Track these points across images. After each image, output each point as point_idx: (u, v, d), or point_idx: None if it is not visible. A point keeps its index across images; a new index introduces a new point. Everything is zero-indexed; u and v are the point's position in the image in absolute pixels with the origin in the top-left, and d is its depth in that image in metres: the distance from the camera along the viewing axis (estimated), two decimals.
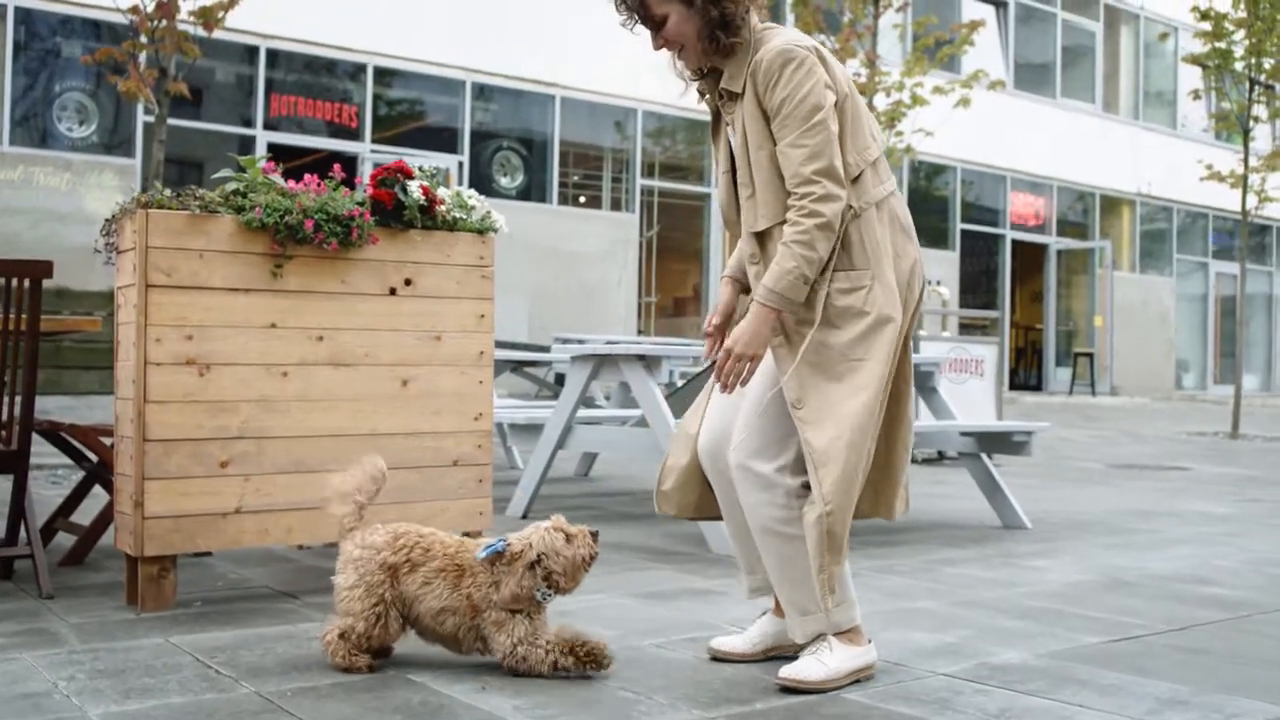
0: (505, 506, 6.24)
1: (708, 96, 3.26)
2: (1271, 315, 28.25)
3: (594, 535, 3.13)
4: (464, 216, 4.36)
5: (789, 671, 2.99)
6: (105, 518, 4.42)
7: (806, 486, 3.02)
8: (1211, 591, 4.46)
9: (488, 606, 3.05)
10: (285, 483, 3.96)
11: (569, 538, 3.11)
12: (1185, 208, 25.93)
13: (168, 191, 3.88)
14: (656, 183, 18.50)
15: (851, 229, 3.04)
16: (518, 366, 8.98)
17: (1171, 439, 14.63)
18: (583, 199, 17.90)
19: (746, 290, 3.26)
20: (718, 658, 3.29)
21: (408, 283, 4.21)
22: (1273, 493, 8.33)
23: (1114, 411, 18.98)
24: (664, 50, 3.19)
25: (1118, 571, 4.86)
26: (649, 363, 5.63)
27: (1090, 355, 23.09)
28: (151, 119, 10.38)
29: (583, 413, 6.43)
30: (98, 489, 4.96)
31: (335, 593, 3.15)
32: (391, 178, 4.20)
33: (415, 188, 4.19)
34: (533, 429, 6.50)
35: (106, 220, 4.03)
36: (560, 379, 10.35)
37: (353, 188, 4.18)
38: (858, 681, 3.06)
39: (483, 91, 16.71)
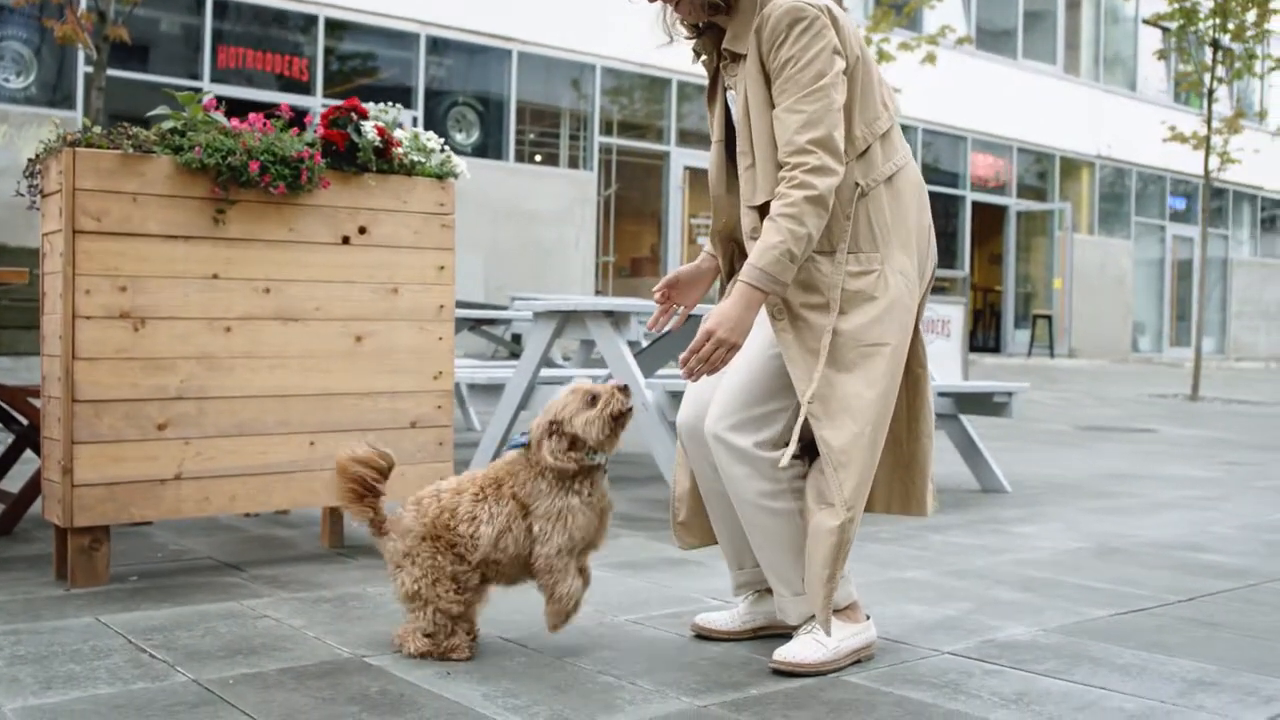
0: (462, 469, 5.94)
1: (704, 58, 2.95)
2: (1226, 279, 28.32)
3: (623, 390, 2.80)
4: (422, 160, 4.04)
5: (784, 654, 2.73)
6: (35, 485, 4.10)
7: (795, 458, 2.75)
8: (1211, 559, 4.25)
9: (535, 498, 2.78)
10: (229, 447, 3.65)
11: (593, 399, 2.79)
12: (1144, 170, 25.88)
13: (97, 129, 3.54)
14: (615, 140, 18.13)
15: (859, 208, 2.76)
16: (475, 325, 8.66)
17: (1134, 401, 14.54)
18: (539, 157, 17.52)
19: (729, 273, 2.99)
20: (703, 635, 3.02)
21: (362, 231, 3.89)
22: (1249, 456, 8.19)
23: (1074, 374, 18.91)
24: (653, 2, 2.89)
25: (1109, 538, 4.65)
26: (617, 319, 5.34)
27: (1049, 317, 23.01)
28: (91, 69, 9.91)
29: (545, 372, 6.13)
30: (29, 454, 4.62)
31: (400, 597, 2.82)
32: (344, 117, 3.88)
33: (370, 128, 3.87)
34: (492, 390, 6.20)
35: (30, 160, 3.69)
36: (517, 339, 10.05)
37: (302, 128, 3.85)
38: (858, 662, 2.81)
39: (437, 45, 16.26)
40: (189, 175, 3.57)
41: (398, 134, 4.00)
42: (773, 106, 2.73)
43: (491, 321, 8.75)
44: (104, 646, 2.82)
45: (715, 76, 2.94)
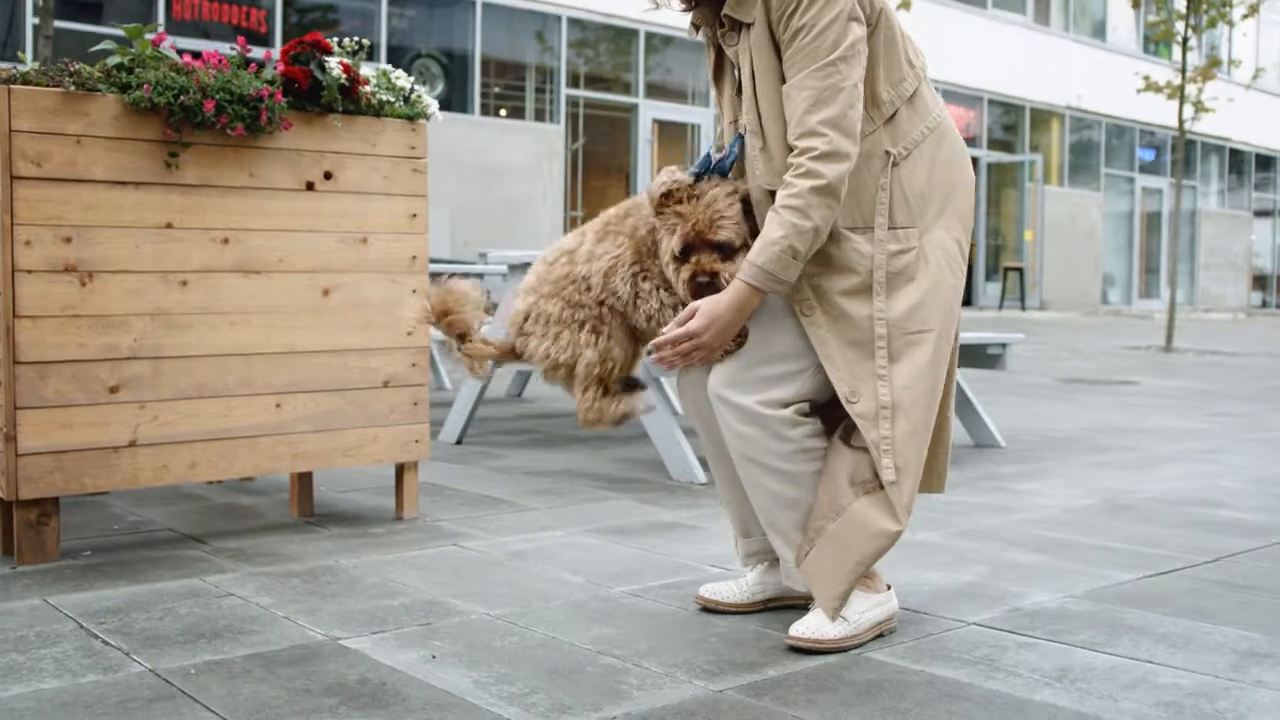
0: (436, 432, 5.69)
1: (704, 30, 2.64)
2: (1195, 230, 28.28)
3: (714, 278, 2.50)
4: (392, 100, 3.75)
5: (802, 629, 2.49)
6: None
7: (801, 413, 2.51)
8: (1227, 515, 4.06)
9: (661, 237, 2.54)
10: (187, 410, 3.37)
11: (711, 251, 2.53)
12: (1114, 121, 25.73)
13: (35, 64, 3.23)
14: (582, 93, 17.78)
15: (893, 180, 2.49)
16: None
17: (1109, 353, 14.41)
18: (503, 111, 17.15)
19: None
20: (708, 608, 2.79)
21: (327, 176, 3.61)
22: (1236, 407, 8.03)
23: (1046, 326, 18.79)
24: None
25: (1115, 494, 4.44)
26: None
27: (1020, 270, 22.89)
28: (38, 20, 9.50)
29: None
30: None
31: (540, 367, 2.64)
32: (306, 53, 3.58)
33: (335, 65, 3.58)
34: None
35: None
36: (487, 294, 9.75)
37: (261, 65, 3.56)
38: (880, 636, 2.59)
39: None
40: (138, 116, 3.27)
41: (364, 71, 3.71)
42: (784, 80, 2.45)
43: (463, 276, 8.46)
44: (52, 632, 2.56)
45: (720, 52, 2.63)
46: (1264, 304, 31.78)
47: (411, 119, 3.78)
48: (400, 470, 3.86)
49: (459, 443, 5.67)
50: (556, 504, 4.14)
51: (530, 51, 17.38)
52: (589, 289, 2.61)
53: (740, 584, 2.80)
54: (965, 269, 2.60)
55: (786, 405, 2.49)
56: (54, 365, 3.16)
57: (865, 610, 2.55)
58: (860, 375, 2.46)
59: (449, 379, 8.33)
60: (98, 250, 3.22)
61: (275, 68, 3.53)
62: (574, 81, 17.67)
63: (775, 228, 2.38)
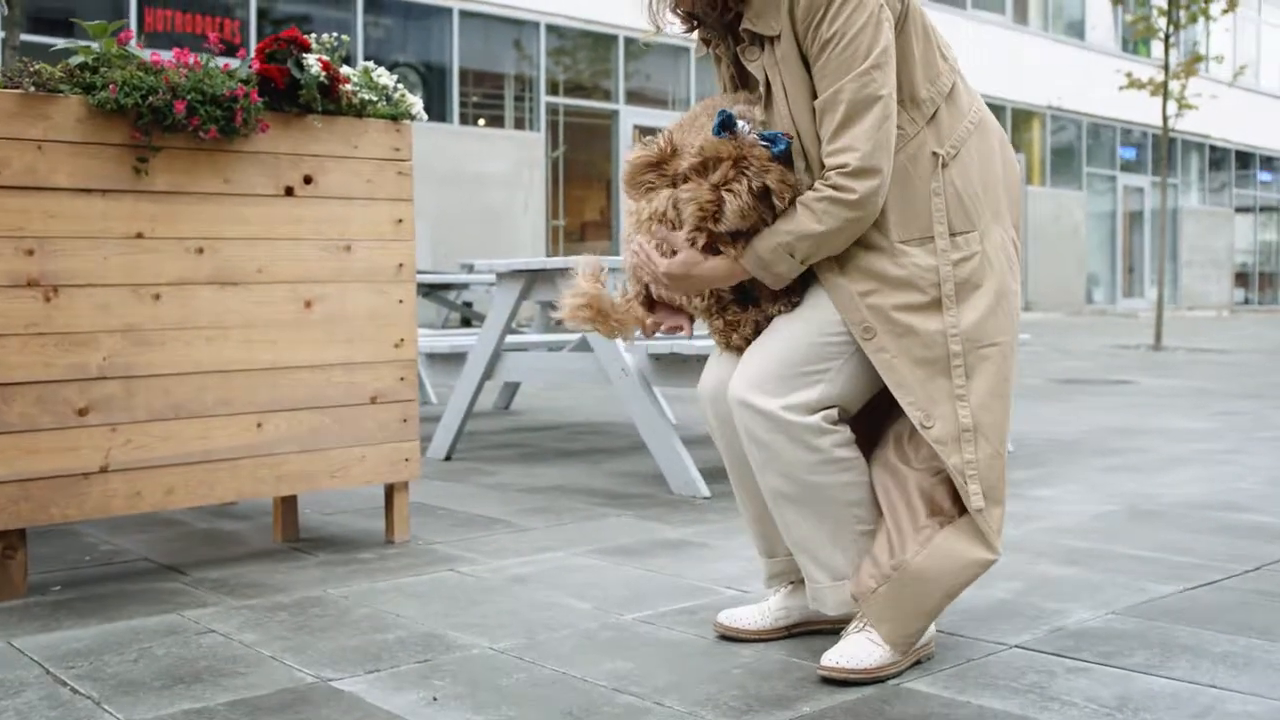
0: (425, 448, 5.48)
1: (716, 47, 2.46)
2: (1177, 228, 28.24)
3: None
4: (374, 99, 3.55)
5: (835, 658, 2.29)
6: None
7: (829, 421, 2.32)
8: (1254, 520, 3.88)
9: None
10: (162, 432, 3.16)
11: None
12: (1094, 121, 25.67)
13: None
14: (562, 100, 17.59)
15: (945, 183, 2.30)
16: (429, 291, 8.16)
17: (1099, 353, 14.27)
18: (482, 120, 16.94)
19: None
20: (728, 636, 2.58)
21: (308, 180, 3.40)
22: (1238, 405, 7.87)
23: (1033, 326, 18.65)
24: None
25: (1136, 499, 4.26)
26: None
27: None
28: (3, 33, 9.26)
29: (510, 339, 5.67)
30: None
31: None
32: (283, 50, 3.37)
33: (313, 62, 3.37)
34: (453, 359, 5.72)
35: None
36: (469, 305, 9.56)
37: (235, 63, 3.35)
38: (918, 663, 2.39)
39: (375, 5, 15.64)
40: (104, 118, 3.06)
41: (345, 70, 3.51)
42: (815, 95, 2.27)
43: (446, 286, 8.26)
44: (15, 680, 2.34)
45: (740, 70, 2.44)
46: (1246, 301, 31.77)
47: (395, 119, 3.58)
48: (390, 491, 3.65)
49: (448, 459, 5.46)
50: (554, 522, 3.93)
51: (508, 60, 17.19)
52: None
53: (762, 609, 2.60)
54: (1019, 278, 2.43)
55: (813, 411, 2.30)
56: (18, 387, 2.95)
57: None
58: (934, 397, 2.28)
59: (433, 393, 8.11)
60: (62, 263, 3.00)
61: (250, 66, 3.33)
62: (553, 89, 17.48)
63: (787, 220, 2.25)
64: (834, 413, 2.32)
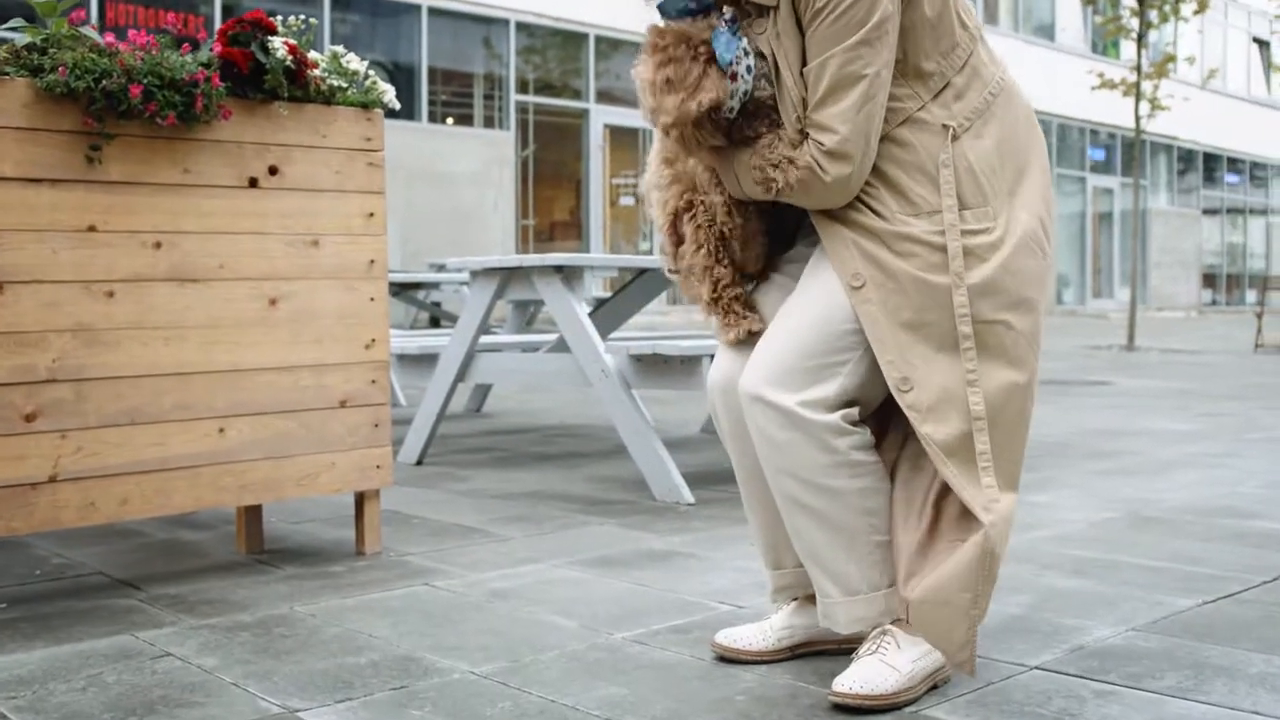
0: (396, 452, 5.28)
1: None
2: (1145, 229, 28.28)
3: None
4: (344, 85, 3.36)
5: (848, 684, 2.11)
6: None
7: (849, 420, 2.15)
8: (1262, 526, 3.73)
9: None
10: (116, 439, 2.95)
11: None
12: (1064, 121, 25.67)
13: None
14: (532, 99, 17.38)
15: (956, 155, 2.13)
16: (399, 290, 7.95)
17: (1073, 353, 14.21)
18: (451, 119, 16.71)
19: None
20: (727, 657, 2.40)
21: (273, 171, 3.20)
22: (1221, 406, 7.77)
23: None
24: None
25: (1137, 505, 4.12)
26: (568, 275, 4.69)
27: None
28: None
29: (482, 339, 5.48)
30: None
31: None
32: (247, 33, 3.17)
33: (279, 46, 3.17)
34: (424, 360, 5.52)
35: None
36: (438, 305, 9.36)
37: (195, 45, 3.15)
38: (935, 687, 2.22)
39: (342, 2, 15.39)
40: (53, 103, 2.85)
41: (313, 55, 3.31)
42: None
43: (416, 285, 8.05)
44: None
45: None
46: (1214, 302, 31.88)
47: (366, 107, 3.39)
48: (360, 499, 3.45)
49: (420, 463, 5.26)
50: (533, 532, 3.74)
51: (478, 58, 16.98)
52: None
53: (764, 628, 2.42)
54: (1051, 251, 2.25)
55: (831, 409, 2.13)
56: None
57: (918, 658, 2.18)
58: (914, 361, 2.11)
59: (402, 396, 7.90)
60: (8, 258, 2.79)
61: (212, 49, 3.13)
62: (523, 88, 17.28)
63: (757, 156, 2.15)
64: (854, 412, 2.15)
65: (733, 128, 2.16)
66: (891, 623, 2.22)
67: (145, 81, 2.91)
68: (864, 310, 2.12)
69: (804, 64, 2.11)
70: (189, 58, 3.03)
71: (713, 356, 4.42)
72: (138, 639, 2.58)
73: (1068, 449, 5.61)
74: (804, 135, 2.12)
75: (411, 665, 2.38)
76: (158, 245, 3.01)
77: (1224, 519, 3.86)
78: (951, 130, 2.13)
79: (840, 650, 2.39)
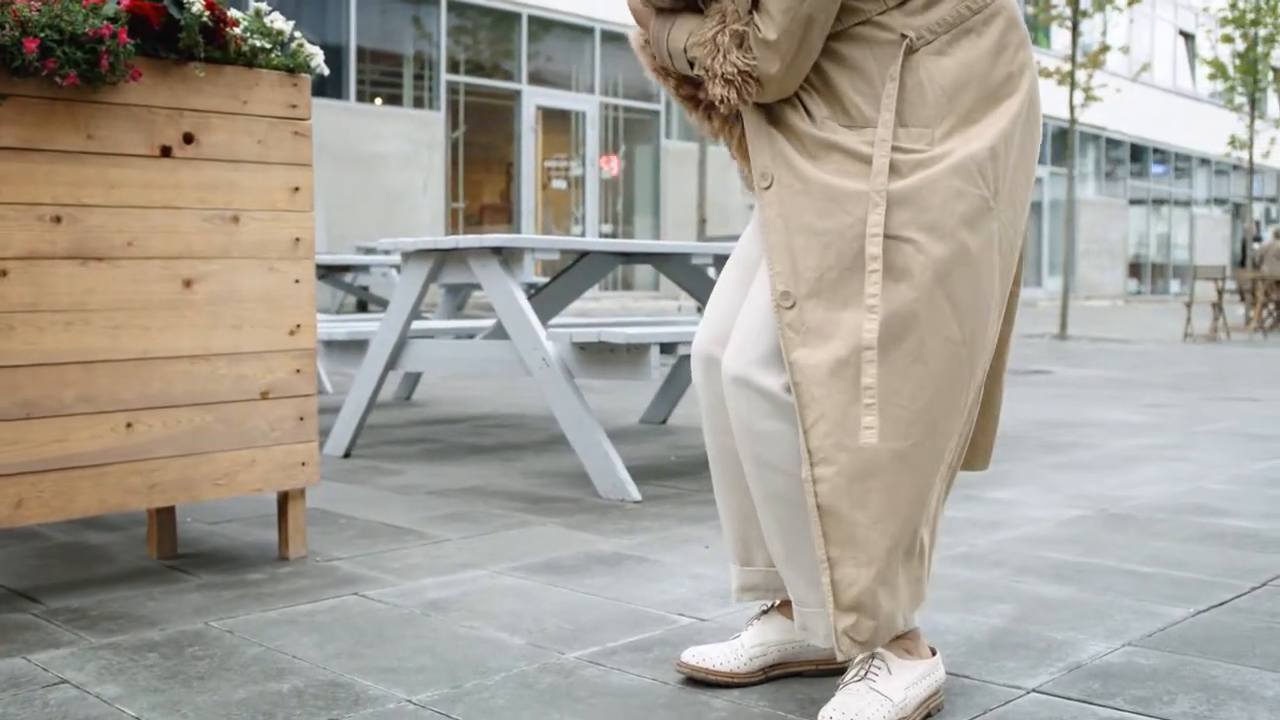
0: (323, 443, 5.00)
1: None
2: (1073, 218, 28.48)
3: None
4: (267, 47, 3.07)
5: (834, 713, 1.89)
6: None
7: None
8: (1236, 525, 3.58)
9: None
10: (10, 434, 2.65)
11: None
12: None
13: None
14: (463, 79, 17.01)
15: (909, 68, 1.88)
16: (325, 273, 7.62)
17: None
18: (379, 99, 16.31)
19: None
20: (695, 679, 2.17)
21: (188, 139, 2.91)
22: (1165, 397, 7.68)
23: None
24: None
25: (1104, 503, 3.94)
26: (507, 257, 4.43)
27: None
28: None
29: (414, 324, 5.20)
30: None
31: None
32: None
33: (196, 1, 2.88)
34: (352, 346, 5.23)
35: None
36: (366, 289, 9.03)
37: None
38: (928, 716, 2.00)
39: None
40: None
41: (233, 12, 3.02)
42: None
43: (343, 268, 7.72)
44: None
45: None
46: (1139, 291, 32.23)
47: (292, 71, 3.10)
48: (284, 499, 3.17)
49: (347, 456, 4.98)
50: (471, 533, 3.49)
51: (408, 37, 16.57)
52: None
53: (735, 647, 2.18)
54: (1003, 196, 1.96)
55: None
56: None
57: (911, 684, 1.96)
58: (804, 275, 1.87)
59: (329, 383, 7.58)
60: None
61: (120, 1, 2.82)
62: (454, 68, 16.91)
63: (693, 33, 1.95)
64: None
65: None
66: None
67: (43, 36, 2.60)
68: (765, 215, 1.90)
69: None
70: (93, 10, 2.73)
71: (661, 345, 4.18)
72: (29, 663, 2.29)
73: (1020, 441, 5.45)
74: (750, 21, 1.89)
75: (340, 692, 2.12)
76: (57, 219, 2.71)
77: (1195, 517, 3.70)
78: (908, 41, 1.89)
79: (818, 672, 2.17)
